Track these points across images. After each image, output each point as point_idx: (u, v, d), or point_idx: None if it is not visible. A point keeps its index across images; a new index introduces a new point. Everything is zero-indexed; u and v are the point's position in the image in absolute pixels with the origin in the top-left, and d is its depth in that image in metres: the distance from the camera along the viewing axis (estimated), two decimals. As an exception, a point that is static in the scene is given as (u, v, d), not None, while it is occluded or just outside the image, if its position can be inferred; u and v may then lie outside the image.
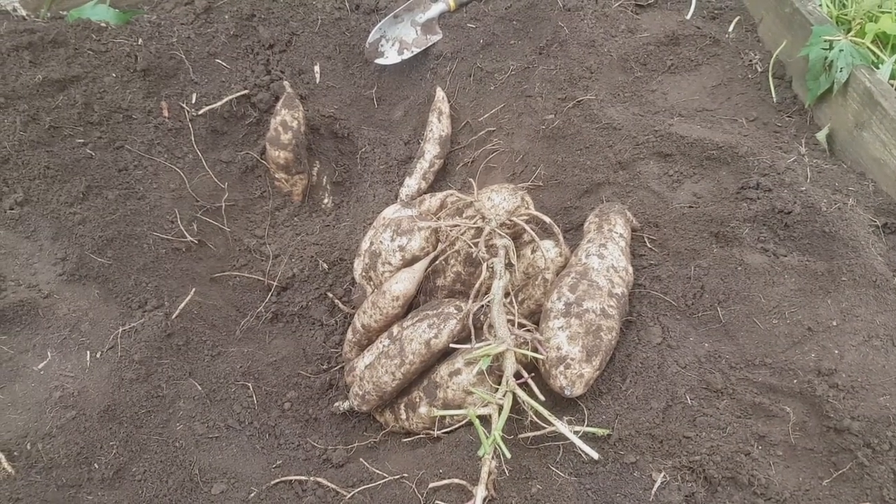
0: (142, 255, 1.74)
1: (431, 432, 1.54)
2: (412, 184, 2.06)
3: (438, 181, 2.12)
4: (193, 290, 1.73)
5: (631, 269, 1.53)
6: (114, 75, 1.88)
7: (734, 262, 1.49)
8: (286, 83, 2.04)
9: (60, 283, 1.59)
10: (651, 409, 1.34)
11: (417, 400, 1.56)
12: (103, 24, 1.94)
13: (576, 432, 1.28)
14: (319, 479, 1.44)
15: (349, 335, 1.79)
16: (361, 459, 1.51)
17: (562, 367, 1.36)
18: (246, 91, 2.04)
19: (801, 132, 1.81)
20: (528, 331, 1.43)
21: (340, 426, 1.73)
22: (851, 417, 1.23)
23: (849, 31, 1.83)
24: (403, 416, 1.60)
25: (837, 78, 1.68)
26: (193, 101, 1.99)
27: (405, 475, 1.40)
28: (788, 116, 1.85)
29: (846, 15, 1.97)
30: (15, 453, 1.39)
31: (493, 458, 1.26)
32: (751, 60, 1.94)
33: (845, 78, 1.67)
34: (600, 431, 1.32)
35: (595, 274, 1.46)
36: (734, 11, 2.07)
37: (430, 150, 2.05)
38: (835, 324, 1.36)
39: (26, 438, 1.40)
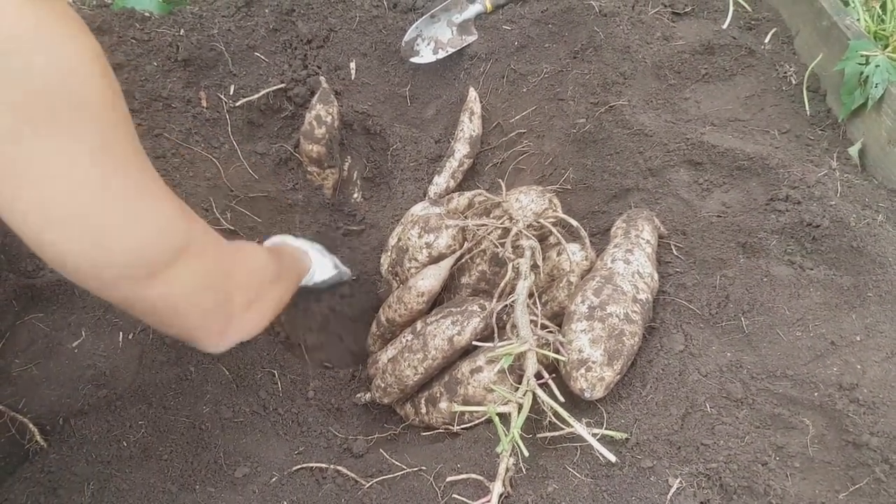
0: None
1: (451, 427, 1.56)
2: (441, 182, 2.08)
3: (467, 180, 2.14)
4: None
5: (656, 276, 1.55)
6: (155, 64, 1.92)
7: (760, 273, 1.50)
8: (322, 78, 2.07)
9: None
10: (670, 415, 1.35)
11: (438, 395, 1.59)
12: (147, 14, 1.98)
13: (594, 435, 1.29)
14: (339, 468, 1.47)
15: (373, 328, 1.82)
16: (381, 450, 1.53)
17: (583, 370, 1.37)
18: (283, 85, 2.07)
19: (833, 146, 1.80)
20: (551, 332, 1.44)
21: (362, 417, 1.76)
22: (871, 433, 1.23)
23: (886, 46, 1.82)
24: (424, 411, 1.63)
25: (872, 93, 1.67)
26: (231, 92, 2.02)
27: (423, 468, 1.42)
28: (821, 130, 1.85)
29: (884, 30, 1.95)
30: (47, 427, 1.44)
31: (510, 455, 1.28)
32: (786, 72, 1.94)
33: (880, 94, 1.67)
34: (618, 435, 1.33)
35: (620, 279, 1.47)
36: (771, 23, 2.06)
37: (461, 150, 2.07)
38: (858, 339, 1.36)
39: (59, 414, 1.44)
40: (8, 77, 0.73)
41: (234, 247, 1.21)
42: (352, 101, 2.15)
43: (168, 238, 0.94)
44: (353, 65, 2.17)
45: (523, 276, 1.49)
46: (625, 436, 1.33)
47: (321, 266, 1.82)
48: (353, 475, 1.45)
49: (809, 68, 1.91)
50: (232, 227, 1.88)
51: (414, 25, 2.13)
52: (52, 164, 0.79)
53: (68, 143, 0.80)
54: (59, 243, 0.84)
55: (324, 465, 1.48)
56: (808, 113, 1.87)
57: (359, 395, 1.75)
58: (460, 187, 2.11)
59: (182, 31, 1.97)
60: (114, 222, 0.86)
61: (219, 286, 1.06)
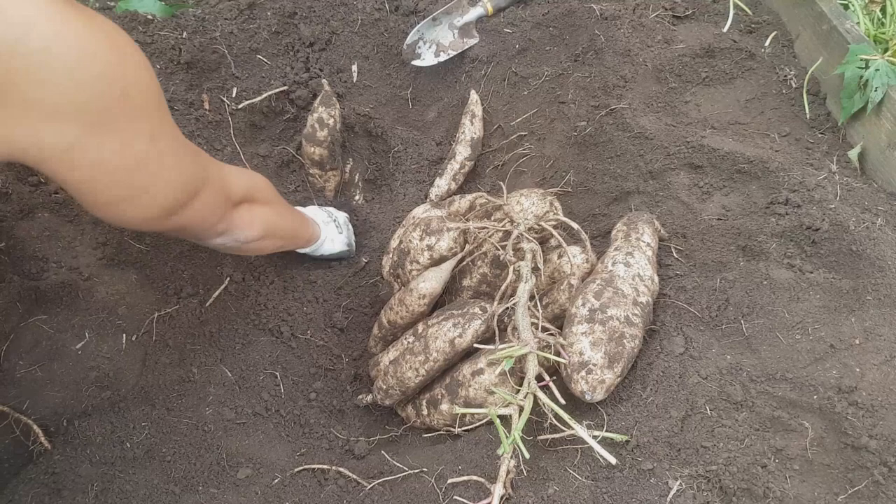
0: (178, 243, 1.78)
1: (452, 429, 1.57)
2: (442, 184, 2.08)
3: (468, 183, 2.14)
4: (228, 279, 1.78)
5: (657, 279, 1.55)
6: (158, 67, 1.93)
7: (760, 276, 1.50)
8: (324, 81, 2.07)
9: (100, 266, 1.64)
10: (670, 417, 1.36)
11: (439, 397, 1.59)
12: (150, 17, 1.99)
13: (595, 437, 1.30)
14: (341, 469, 1.48)
15: (375, 330, 1.83)
16: (383, 452, 1.54)
17: (583, 372, 1.38)
18: (285, 87, 2.07)
19: (832, 149, 1.80)
20: (552, 335, 1.45)
21: (363, 418, 1.76)
22: (870, 436, 1.23)
23: (886, 50, 1.82)
24: (425, 412, 1.64)
25: (872, 97, 1.68)
26: (234, 94, 2.04)
27: (425, 470, 1.43)
28: (821, 133, 1.85)
29: (884, 34, 1.96)
30: (52, 429, 1.46)
31: (511, 457, 1.29)
32: (786, 76, 1.94)
33: (880, 97, 1.67)
34: (619, 437, 1.34)
35: (620, 282, 1.48)
36: (771, 26, 2.07)
37: (462, 152, 2.08)
38: (857, 342, 1.36)
39: (63, 415, 1.46)
40: (75, 84, 0.91)
41: (235, 171, 1.47)
42: (353, 103, 2.16)
43: (192, 184, 1.21)
44: (354, 67, 2.17)
45: (524, 279, 1.50)
46: (625, 438, 1.34)
47: (332, 240, 1.92)
48: (354, 476, 1.46)
49: (809, 72, 1.91)
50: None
51: (415, 28, 2.14)
52: (120, 150, 1.01)
53: (131, 137, 1.02)
54: (122, 203, 1.10)
55: (326, 467, 1.49)
56: (808, 116, 1.87)
57: (360, 397, 1.76)
58: (461, 190, 2.12)
59: (185, 33, 1.98)
60: (163, 182, 1.13)
61: (221, 200, 1.34)
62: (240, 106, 2.03)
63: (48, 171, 0.97)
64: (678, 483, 1.26)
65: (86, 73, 0.92)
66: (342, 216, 2.03)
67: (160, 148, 1.09)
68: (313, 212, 1.92)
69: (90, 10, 0.97)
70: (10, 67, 0.84)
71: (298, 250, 1.88)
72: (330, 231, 1.91)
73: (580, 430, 1.29)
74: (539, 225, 1.61)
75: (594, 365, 1.38)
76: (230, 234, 1.41)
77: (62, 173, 0.98)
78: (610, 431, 1.35)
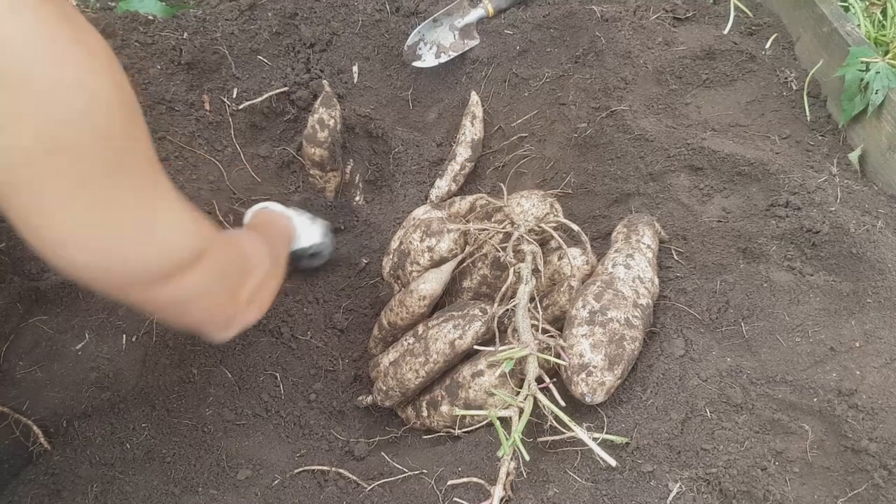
0: None
1: (452, 431, 1.57)
2: (443, 185, 2.08)
3: (468, 184, 2.14)
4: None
5: (657, 281, 1.55)
6: (159, 67, 1.93)
7: (760, 278, 1.50)
8: (325, 82, 2.07)
9: None
10: (670, 419, 1.35)
11: (439, 398, 1.59)
12: (150, 17, 1.99)
13: (595, 439, 1.30)
14: (341, 470, 1.48)
15: (375, 331, 1.83)
16: (383, 453, 1.54)
17: (584, 374, 1.38)
18: (285, 88, 2.07)
19: (833, 152, 1.80)
20: (552, 336, 1.45)
21: (363, 420, 1.76)
22: (869, 438, 1.23)
23: (886, 52, 1.82)
24: (425, 414, 1.64)
25: (872, 100, 1.68)
26: (234, 95, 2.03)
27: (424, 471, 1.43)
28: (821, 136, 1.85)
29: (885, 36, 1.96)
30: (51, 430, 1.45)
31: (511, 459, 1.28)
32: (786, 78, 1.94)
33: (881, 100, 1.67)
34: (619, 439, 1.33)
35: (621, 284, 1.48)
36: (772, 28, 2.07)
37: (462, 153, 2.08)
38: (857, 345, 1.36)
39: (62, 416, 1.45)
40: (28, 105, 0.75)
41: (237, 243, 1.25)
42: (354, 104, 2.16)
43: (182, 248, 0.98)
44: (355, 68, 2.17)
45: (524, 281, 1.50)
46: (625, 440, 1.33)
47: (307, 233, 1.83)
48: (354, 478, 1.46)
49: (810, 74, 1.91)
50: (234, 231, 1.89)
51: (416, 29, 2.14)
52: (68, 185, 0.81)
53: (87, 167, 0.82)
54: (75, 257, 0.87)
55: (325, 468, 1.49)
56: (809, 118, 1.88)
57: (360, 398, 1.75)
58: (461, 191, 2.12)
59: (185, 34, 1.98)
60: (131, 236, 0.90)
61: (225, 285, 1.11)
62: (240, 107, 2.03)
63: None
64: (678, 485, 1.25)
65: (67, 106, 0.78)
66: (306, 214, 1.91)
67: (132, 191, 0.89)
68: (273, 206, 1.80)
69: (89, 31, 0.83)
70: None
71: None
72: (302, 222, 1.81)
73: (580, 433, 1.29)
74: (539, 227, 1.61)
75: (594, 367, 1.38)
76: (236, 326, 1.20)
77: (7, 200, 0.81)
78: (610, 433, 1.35)
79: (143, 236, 0.92)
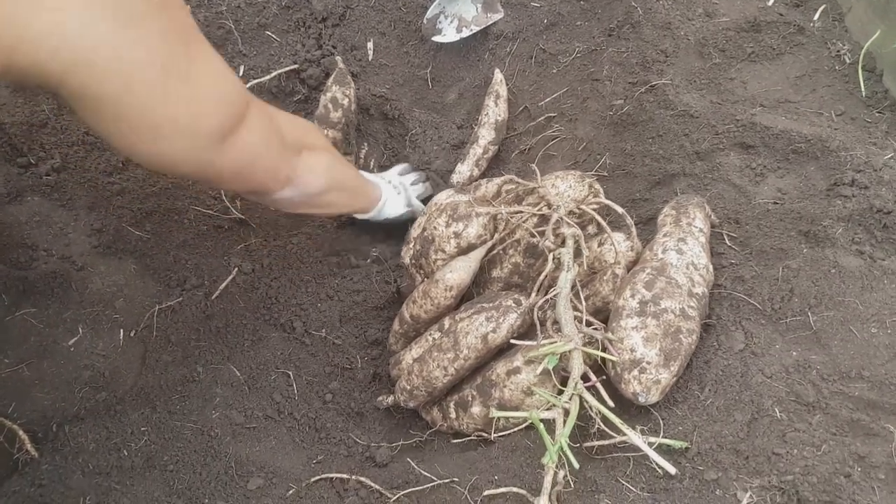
0: (182, 230, 1.70)
1: (484, 434, 1.44)
2: (464, 170, 1.96)
3: (492, 169, 2.03)
4: (236, 269, 1.67)
5: (711, 268, 1.42)
6: (161, 43, 1.81)
7: (827, 264, 1.37)
8: (338, 58, 1.96)
9: (95, 255, 1.56)
10: (734, 421, 1.23)
11: (470, 398, 1.46)
12: (151, -10, 1.88)
13: (650, 443, 1.18)
14: (362, 479, 1.39)
15: (395, 325, 1.70)
16: (408, 459, 1.43)
17: (636, 371, 1.25)
18: (296, 66, 1.97)
19: (892, 129, 1.67)
20: (597, 329, 1.32)
21: (384, 422, 1.66)
22: (964, 440, 1.10)
23: (951, 21, 1.69)
24: (453, 416, 1.50)
25: (938, 71, 1.55)
26: (241, 73, 1.94)
27: (455, 479, 1.32)
28: (879, 112, 1.72)
29: (946, 5, 1.83)
30: (40, 434, 1.39)
31: (558, 467, 1.16)
32: (838, 51, 1.81)
33: (947, 71, 1.54)
34: (677, 444, 1.21)
35: (674, 271, 1.34)
36: (819, -1, 1.94)
37: (485, 136, 1.96)
38: (942, 335, 1.23)
39: (52, 419, 1.39)
40: None
41: (282, 112, 1.37)
42: (369, 83, 2.05)
43: (233, 106, 1.08)
44: (370, 44, 2.06)
45: (566, 268, 1.36)
46: (684, 444, 1.22)
47: (393, 201, 1.82)
48: (377, 487, 1.36)
49: (865, 47, 1.78)
50: (242, 216, 1.78)
51: (436, 2, 2.02)
52: (147, 54, 0.90)
53: (163, 38, 0.92)
54: (170, 134, 0.98)
55: (345, 476, 1.40)
56: (864, 94, 1.74)
57: (381, 399, 1.62)
58: (484, 176, 2.00)
59: (189, 6, 1.85)
60: (202, 94, 1.00)
61: (276, 135, 1.23)
62: (247, 86, 1.92)
63: (75, 85, 0.86)
64: (748, 495, 1.14)
65: None
66: (395, 176, 1.93)
67: (193, 54, 0.98)
68: (370, 175, 1.83)
69: None
70: None
71: (359, 216, 1.80)
72: (389, 192, 1.81)
73: (634, 437, 1.17)
74: (580, 209, 1.47)
75: (648, 363, 1.24)
76: (296, 183, 1.32)
77: (92, 88, 0.87)
78: (666, 437, 1.23)
79: (213, 91, 1.02)
